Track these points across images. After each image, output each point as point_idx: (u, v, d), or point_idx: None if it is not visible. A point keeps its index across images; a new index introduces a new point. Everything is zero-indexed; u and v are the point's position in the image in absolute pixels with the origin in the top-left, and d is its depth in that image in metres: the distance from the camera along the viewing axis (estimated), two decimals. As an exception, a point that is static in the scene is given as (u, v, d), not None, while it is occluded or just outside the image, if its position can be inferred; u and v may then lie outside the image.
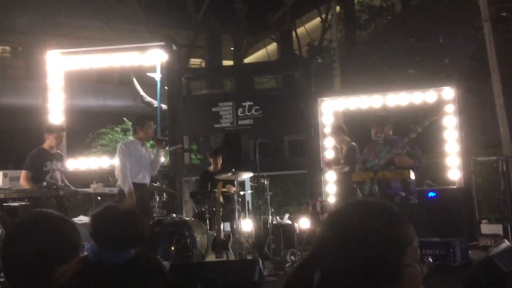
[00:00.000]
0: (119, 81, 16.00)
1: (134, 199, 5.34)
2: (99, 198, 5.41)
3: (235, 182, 6.14)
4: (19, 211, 5.36)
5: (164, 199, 7.02)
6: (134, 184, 5.44)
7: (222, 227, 6.15)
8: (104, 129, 9.47)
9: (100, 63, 8.13)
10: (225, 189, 6.51)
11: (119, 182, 5.48)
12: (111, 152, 8.85)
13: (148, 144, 5.97)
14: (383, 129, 5.39)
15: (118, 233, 1.32)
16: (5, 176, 6.02)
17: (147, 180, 5.67)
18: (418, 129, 5.21)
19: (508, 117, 8.25)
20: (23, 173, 5.72)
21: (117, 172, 5.51)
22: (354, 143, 6.77)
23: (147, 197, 5.70)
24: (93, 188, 5.42)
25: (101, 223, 1.34)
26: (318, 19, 15.79)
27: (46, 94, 7.89)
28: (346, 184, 6.34)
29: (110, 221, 1.34)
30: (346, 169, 6.31)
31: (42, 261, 1.57)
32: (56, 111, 7.87)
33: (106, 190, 5.54)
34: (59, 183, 5.76)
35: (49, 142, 5.87)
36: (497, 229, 7.55)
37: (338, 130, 6.59)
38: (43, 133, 6.00)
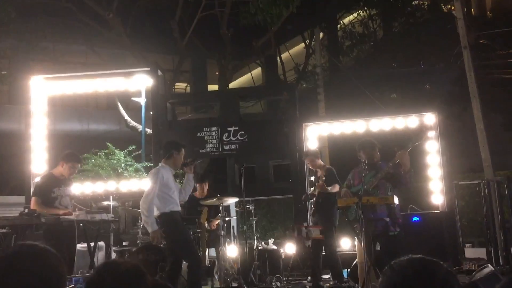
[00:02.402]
0: (104, 106, 15.95)
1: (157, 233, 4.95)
2: (81, 225, 5.31)
3: (220, 208, 6.10)
4: (0, 239, 5.25)
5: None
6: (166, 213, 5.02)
7: (207, 253, 6.09)
8: (87, 154, 9.37)
9: (85, 88, 8.10)
10: (209, 222, 6.47)
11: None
12: (94, 178, 8.75)
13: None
14: (373, 153, 5.43)
15: None
16: (-15, 202, 5.90)
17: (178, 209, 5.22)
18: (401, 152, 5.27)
19: (489, 142, 8.41)
20: (33, 200, 5.61)
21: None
22: (329, 166, 6.80)
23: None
24: (75, 215, 5.32)
25: None
26: (302, 45, 16.07)
27: (28, 119, 7.82)
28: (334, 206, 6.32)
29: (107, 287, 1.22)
30: (336, 188, 6.25)
31: None
32: (39, 136, 7.79)
33: (89, 217, 5.43)
34: (69, 209, 5.65)
35: (61, 170, 5.74)
36: (481, 252, 7.62)
37: (310, 154, 6.61)
38: (59, 159, 5.86)
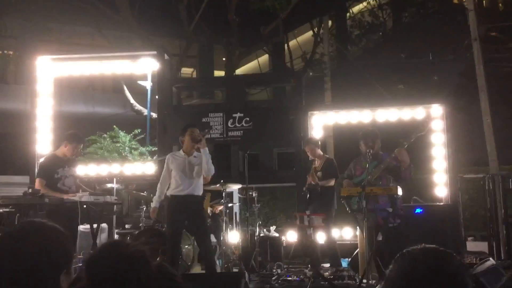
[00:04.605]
0: (110, 89, 15.94)
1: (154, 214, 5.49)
2: (84, 206, 5.33)
3: (223, 194, 6.11)
4: (3, 218, 5.29)
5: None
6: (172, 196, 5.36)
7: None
8: (92, 136, 9.38)
9: (91, 70, 8.08)
10: (212, 207, 6.50)
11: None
12: (98, 160, 8.77)
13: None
14: (374, 143, 5.40)
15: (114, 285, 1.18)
16: (-10, 181, 5.94)
17: (186, 192, 5.34)
18: (404, 144, 5.24)
19: (495, 136, 8.35)
20: (37, 181, 5.63)
21: None
22: (329, 157, 6.79)
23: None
24: (78, 196, 5.34)
25: (97, 270, 1.20)
26: (310, 33, 15.94)
27: (34, 99, 7.82)
28: (333, 196, 6.35)
29: (108, 268, 1.19)
30: (332, 182, 6.31)
31: (35, 272, 1.54)
32: (44, 116, 7.80)
33: (92, 198, 5.45)
34: (73, 189, 5.67)
35: (64, 150, 5.73)
36: (482, 246, 7.61)
37: (311, 142, 6.60)
38: (62, 139, 5.85)
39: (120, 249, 1.34)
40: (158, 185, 5.51)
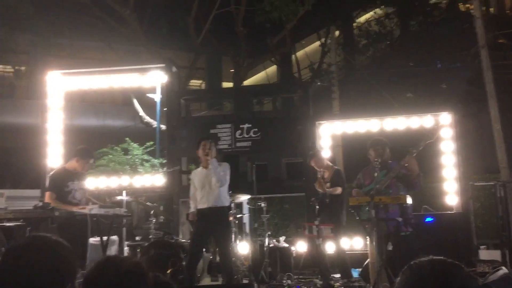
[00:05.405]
0: (120, 102, 16.10)
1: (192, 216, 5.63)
2: (94, 219, 5.37)
3: (232, 205, 6.12)
4: (14, 231, 5.33)
5: (161, 220, 7.00)
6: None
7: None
8: (104, 149, 9.46)
9: (101, 84, 8.19)
10: None
11: None
12: (109, 172, 8.83)
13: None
14: (383, 152, 5.38)
15: None
16: (1, 195, 6.01)
17: (208, 204, 5.47)
18: (413, 152, 5.22)
19: (506, 143, 8.28)
20: (47, 194, 5.71)
21: None
22: (337, 167, 6.77)
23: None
24: (88, 209, 5.38)
25: (95, 287, 1.19)
26: (317, 43, 15.99)
27: (45, 114, 7.93)
28: (342, 206, 6.33)
29: (105, 285, 1.19)
30: (338, 190, 6.28)
31: (38, 287, 1.55)
32: (55, 130, 7.89)
33: (102, 211, 5.49)
34: (83, 202, 5.72)
35: (76, 165, 5.82)
36: (495, 255, 7.50)
37: (315, 155, 6.60)
38: (72, 155, 5.93)
39: (117, 265, 1.34)
40: (190, 201, 5.76)
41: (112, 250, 6.44)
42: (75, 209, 5.40)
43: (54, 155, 7.74)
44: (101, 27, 12.61)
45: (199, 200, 5.52)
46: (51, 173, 6.00)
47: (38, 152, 7.99)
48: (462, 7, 14.46)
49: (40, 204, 5.22)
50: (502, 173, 8.14)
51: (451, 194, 7.17)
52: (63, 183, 5.67)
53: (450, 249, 6.44)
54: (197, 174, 5.65)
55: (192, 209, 5.65)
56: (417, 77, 13.21)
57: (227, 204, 5.57)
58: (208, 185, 5.45)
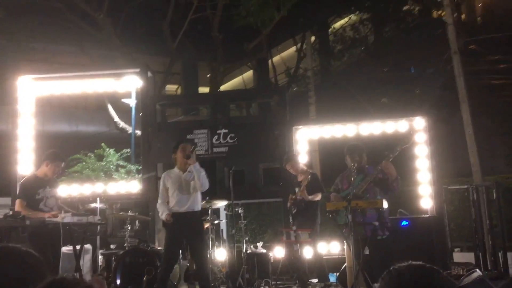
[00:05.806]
0: (93, 107, 15.84)
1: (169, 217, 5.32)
2: (67, 227, 5.22)
3: (209, 212, 6.06)
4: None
5: (136, 227, 6.87)
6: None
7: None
8: (77, 155, 9.25)
9: (74, 89, 8.02)
10: None
11: None
12: (82, 179, 8.65)
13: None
14: (360, 158, 5.41)
15: None
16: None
17: (183, 209, 5.33)
18: (390, 156, 5.26)
19: (478, 146, 8.44)
20: (17, 202, 5.49)
21: None
22: (313, 171, 6.79)
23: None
24: (60, 217, 5.23)
25: None
26: (293, 48, 16.10)
27: (15, 120, 7.72)
28: (316, 211, 6.35)
29: None
30: (319, 196, 6.31)
31: None
32: (26, 136, 7.69)
33: (76, 219, 5.35)
34: (55, 210, 5.53)
35: (45, 170, 5.62)
36: (469, 257, 7.63)
37: (290, 159, 6.61)
38: (42, 160, 5.73)
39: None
40: (158, 205, 5.48)
41: (86, 259, 6.29)
42: (46, 215, 5.24)
43: (25, 162, 7.54)
44: (74, 31, 12.42)
45: (172, 204, 5.36)
46: (22, 180, 5.82)
47: (8, 159, 7.77)
48: (434, 14, 14.76)
49: (10, 213, 5.05)
50: (474, 176, 8.30)
51: (426, 198, 7.26)
52: (34, 190, 5.50)
53: (426, 252, 6.52)
54: (171, 176, 5.44)
55: (166, 211, 5.39)
56: (391, 82, 13.40)
57: (200, 208, 5.51)
58: (187, 188, 5.34)
